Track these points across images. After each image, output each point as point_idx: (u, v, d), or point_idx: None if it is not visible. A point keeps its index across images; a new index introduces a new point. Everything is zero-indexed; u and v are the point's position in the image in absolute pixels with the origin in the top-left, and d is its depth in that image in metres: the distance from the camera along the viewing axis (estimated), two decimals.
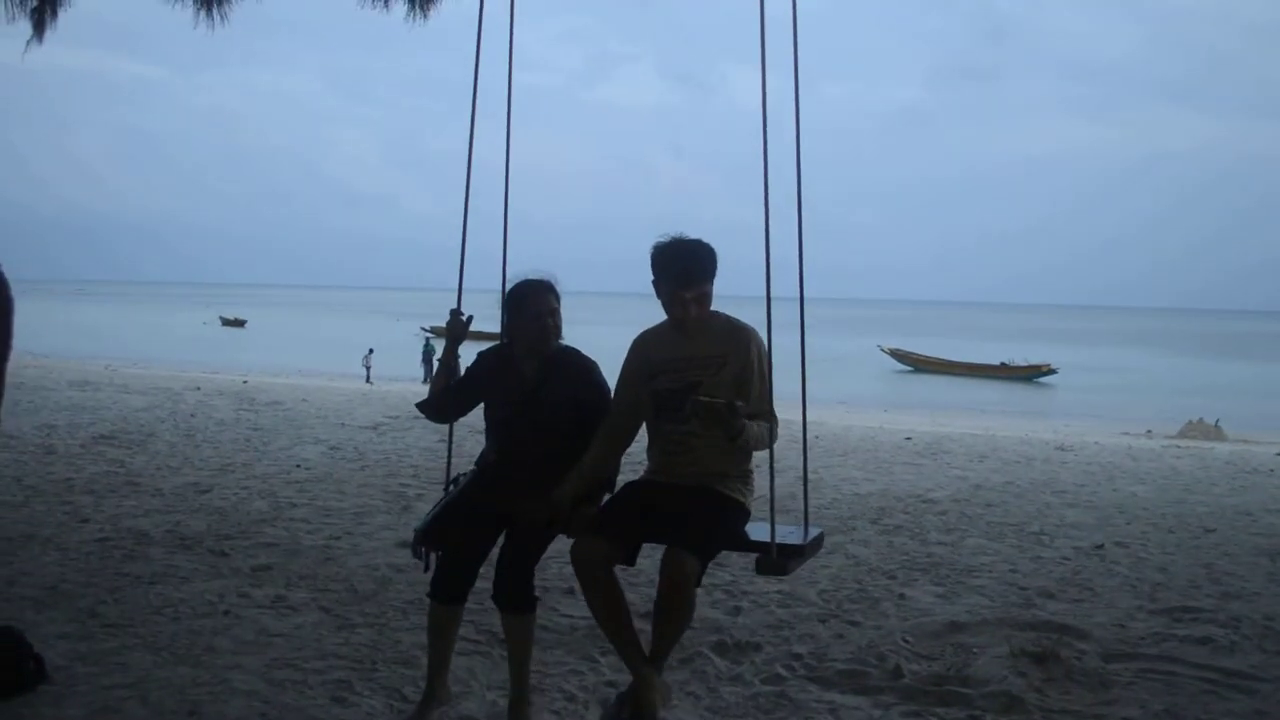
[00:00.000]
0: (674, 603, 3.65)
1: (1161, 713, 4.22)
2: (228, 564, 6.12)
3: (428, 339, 36.50)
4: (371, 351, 35.65)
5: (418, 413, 4.42)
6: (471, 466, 4.27)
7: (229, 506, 7.76)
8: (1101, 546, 7.28)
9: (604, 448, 4.05)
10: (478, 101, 4.37)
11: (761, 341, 3.93)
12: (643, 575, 4.77)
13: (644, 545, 3.91)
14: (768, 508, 3.81)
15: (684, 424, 3.79)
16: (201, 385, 18.55)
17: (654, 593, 3.74)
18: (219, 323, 73.02)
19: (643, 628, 3.86)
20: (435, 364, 4.64)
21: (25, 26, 10.11)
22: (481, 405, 4.27)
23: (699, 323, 3.95)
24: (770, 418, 3.90)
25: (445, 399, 4.25)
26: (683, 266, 3.89)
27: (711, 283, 3.94)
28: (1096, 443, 15.40)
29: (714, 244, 3.97)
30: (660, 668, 3.81)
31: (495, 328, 4.25)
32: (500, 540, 4.02)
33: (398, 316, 79.01)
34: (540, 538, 3.95)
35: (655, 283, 3.93)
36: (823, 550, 4.89)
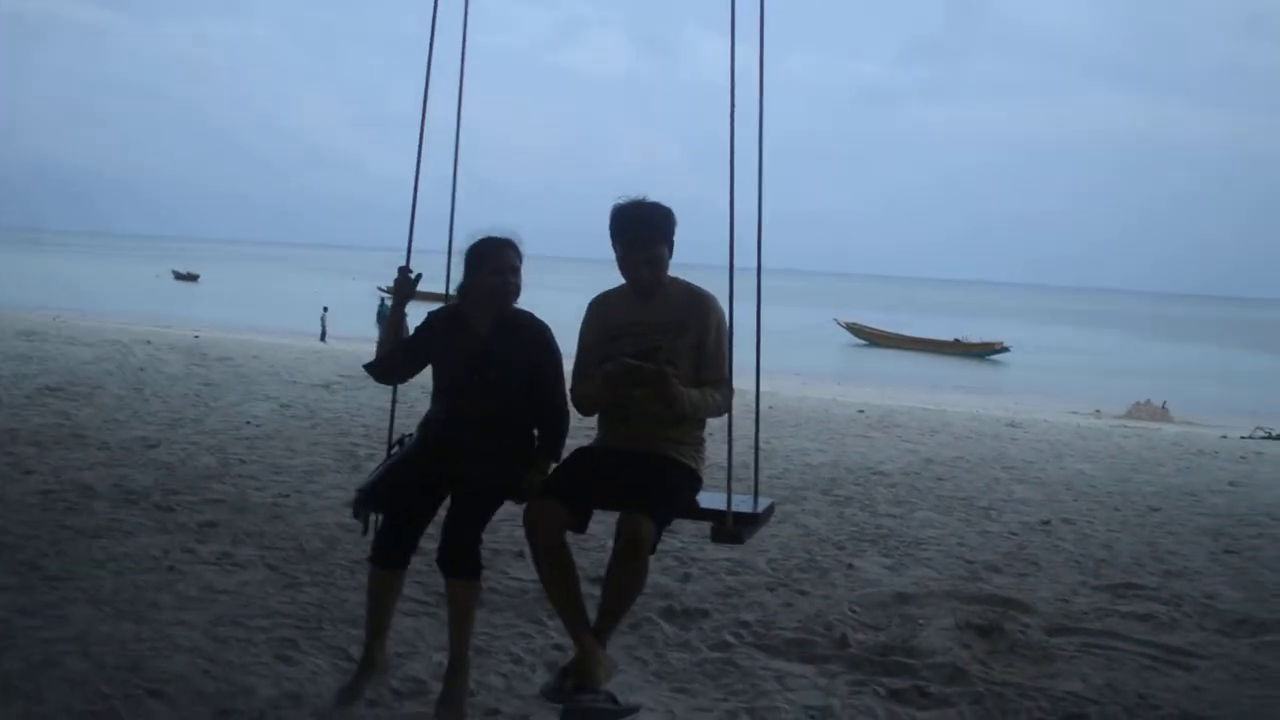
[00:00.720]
0: (629, 568, 3.61)
1: (1102, 686, 4.28)
2: (174, 519, 6.04)
3: (383, 299, 36.13)
4: (326, 310, 35.31)
5: None
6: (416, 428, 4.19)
7: (176, 462, 7.66)
8: (1048, 522, 7.37)
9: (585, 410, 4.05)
10: (439, 61, 4.31)
11: (722, 310, 3.92)
12: (594, 540, 4.76)
13: (595, 512, 3.89)
14: (722, 476, 3.80)
15: (643, 385, 3.73)
16: (152, 339, 18.27)
17: (605, 558, 3.72)
18: (171, 276, 71.85)
19: (591, 593, 3.84)
20: None
21: None
22: (430, 367, 4.18)
23: (659, 288, 3.93)
24: (725, 386, 3.89)
25: (393, 359, 4.15)
26: (636, 229, 3.89)
27: (667, 246, 3.92)
28: (1046, 420, 15.59)
29: (680, 214, 3.94)
30: (605, 641, 3.75)
31: (444, 288, 4.16)
32: (446, 504, 3.96)
33: (354, 275, 78.12)
34: (487, 503, 3.89)
35: (612, 244, 3.92)
36: (773, 520, 4.90)
